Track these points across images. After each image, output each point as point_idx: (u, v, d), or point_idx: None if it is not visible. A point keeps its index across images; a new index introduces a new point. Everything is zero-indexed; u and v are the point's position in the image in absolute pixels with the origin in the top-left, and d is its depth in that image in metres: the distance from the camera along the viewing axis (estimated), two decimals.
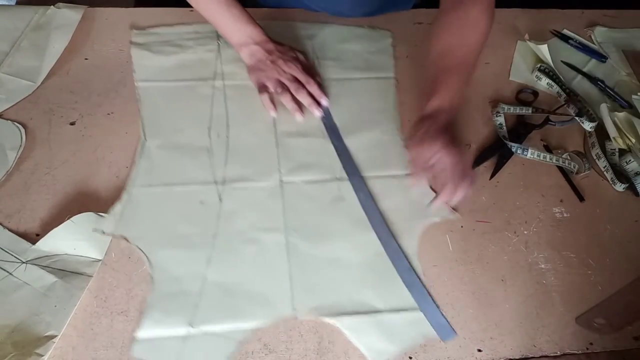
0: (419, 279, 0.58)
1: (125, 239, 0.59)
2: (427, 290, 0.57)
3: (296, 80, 0.71)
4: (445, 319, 0.56)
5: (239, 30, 0.72)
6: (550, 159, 0.68)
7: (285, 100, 0.70)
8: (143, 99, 0.71)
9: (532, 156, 0.68)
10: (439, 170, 0.59)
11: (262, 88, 0.71)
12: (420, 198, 0.64)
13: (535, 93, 0.77)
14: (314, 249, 0.60)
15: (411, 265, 0.59)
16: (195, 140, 0.68)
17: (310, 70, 0.73)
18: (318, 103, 0.71)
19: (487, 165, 0.68)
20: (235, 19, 0.71)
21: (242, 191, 0.63)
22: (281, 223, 0.61)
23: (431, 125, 0.60)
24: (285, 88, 0.70)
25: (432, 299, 0.57)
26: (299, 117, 0.69)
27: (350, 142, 0.69)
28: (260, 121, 0.70)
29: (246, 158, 0.66)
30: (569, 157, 0.69)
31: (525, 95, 0.77)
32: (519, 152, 0.69)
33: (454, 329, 0.55)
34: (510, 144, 0.69)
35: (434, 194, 0.64)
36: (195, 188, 0.63)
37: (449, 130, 0.59)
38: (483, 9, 0.66)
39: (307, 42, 0.80)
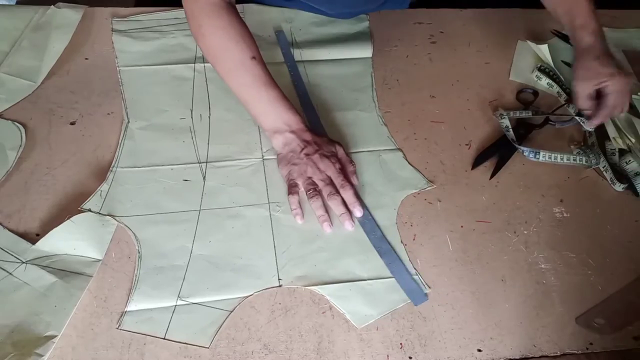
0: (391, 246, 0.60)
1: (112, 216, 0.60)
2: (399, 257, 0.59)
3: (331, 182, 0.62)
4: (417, 283, 0.57)
5: (276, 115, 0.64)
6: (562, 159, 0.68)
7: (316, 206, 0.61)
8: (125, 82, 0.73)
9: (544, 159, 0.68)
10: (603, 97, 0.67)
11: (292, 187, 0.62)
12: (396, 171, 0.67)
13: (535, 93, 0.77)
14: (297, 223, 0.61)
15: (383, 234, 0.61)
16: (178, 121, 0.70)
17: (347, 168, 0.64)
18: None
19: (487, 165, 0.68)
20: (272, 102, 0.64)
21: (225, 169, 0.65)
22: (264, 198, 0.63)
23: (592, 58, 0.67)
24: (318, 191, 0.62)
25: (404, 266, 0.59)
26: (327, 228, 0.60)
27: (330, 120, 0.71)
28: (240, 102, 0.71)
29: (228, 137, 0.69)
30: (581, 151, 0.69)
31: (525, 95, 0.77)
32: (530, 156, 0.68)
33: (425, 293, 0.57)
34: (521, 148, 0.68)
35: (410, 167, 0.67)
36: (179, 167, 0.65)
37: (609, 59, 0.67)
38: None
39: (285, 25, 0.82)
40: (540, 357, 0.54)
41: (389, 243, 0.60)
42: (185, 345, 0.52)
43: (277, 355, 0.52)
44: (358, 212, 0.61)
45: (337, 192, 0.62)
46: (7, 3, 0.93)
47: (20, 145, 0.65)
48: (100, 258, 0.57)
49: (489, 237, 0.62)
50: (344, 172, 0.63)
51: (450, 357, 0.53)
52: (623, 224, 0.65)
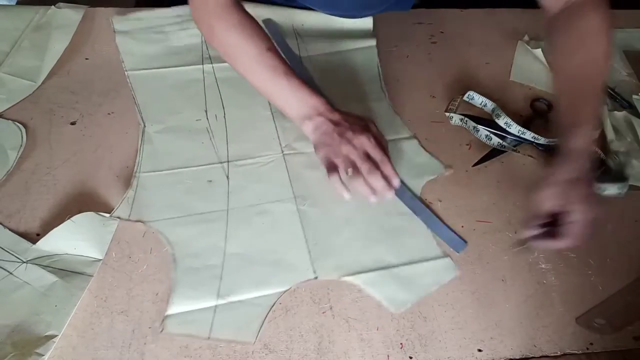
0: (425, 204, 0.63)
1: (143, 222, 0.60)
2: (435, 213, 0.62)
3: (368, 158, 0.60)
4: (455, 232, 0.61)
5: (300, 102, 0.63)
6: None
7: (357, 184, 0.60)
8: (136, 86, 0.73)
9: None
10: (564, 221, 0.54)
11: (332, 168, 0.61)
12: (413, 159, 0.68)
13: (550, 105, 0.75)
14: (324, 214, 0.62)
15: (414, 194, 0.64)
16: (194, 123, 0.70)
17: (382, 141, 0.63)
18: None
19: (487, 165, 0.68)
20: (295, 90, 0.63)
21: (247, 167, 0.66)
22: (290, 193, 0.63)
23: (570, 171, 0.55)
24: (357, 169, 0.60)
25: (440, 219, 0.62)
26: (373, 200, 0.59)
27: None
28: (254, 99, 0.71)
29: (246, 135, 0.69)
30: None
31: (539, 105, 0.76)
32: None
33: (464, 240, 0.60)
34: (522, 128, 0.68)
35: (426, 154, 0.68)
36: (201, 169, 0.65)
37: (586, 180, 0.56)
38: (601, 16, 0.60)
39: (289, 22, 0.82)
40: (541, 357, 0.54)
41: (422, 201, 0.63)
42: (186, 345, 0.52)
43: (277, 355, 0.52)
44: (396, 182, 0.60)
45: (376, 166, 0.60)
46: (7, 3, 0.93)
47: (21, 145, 0.65)
48: (101, 258, 0.57)
49: (489, 237, 0.62)
50: (380, 146, 0.61)
51: (451, 357, 0.53)
52: (623, 223, 0.65)
